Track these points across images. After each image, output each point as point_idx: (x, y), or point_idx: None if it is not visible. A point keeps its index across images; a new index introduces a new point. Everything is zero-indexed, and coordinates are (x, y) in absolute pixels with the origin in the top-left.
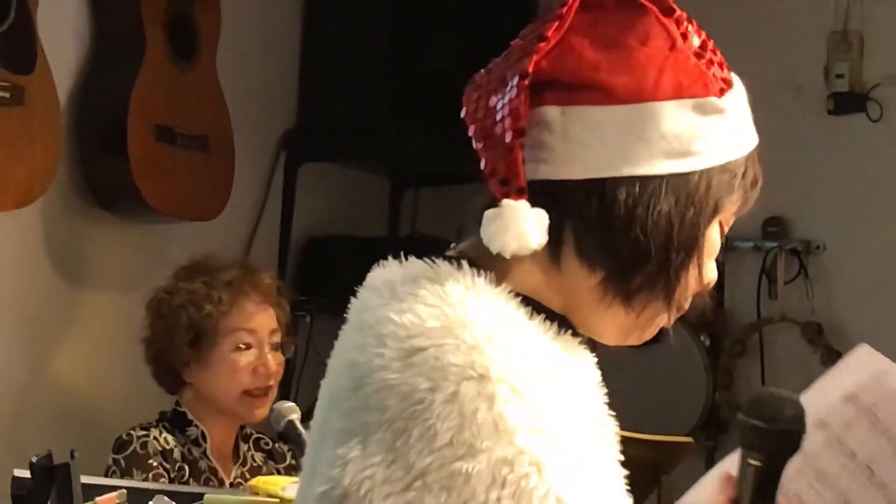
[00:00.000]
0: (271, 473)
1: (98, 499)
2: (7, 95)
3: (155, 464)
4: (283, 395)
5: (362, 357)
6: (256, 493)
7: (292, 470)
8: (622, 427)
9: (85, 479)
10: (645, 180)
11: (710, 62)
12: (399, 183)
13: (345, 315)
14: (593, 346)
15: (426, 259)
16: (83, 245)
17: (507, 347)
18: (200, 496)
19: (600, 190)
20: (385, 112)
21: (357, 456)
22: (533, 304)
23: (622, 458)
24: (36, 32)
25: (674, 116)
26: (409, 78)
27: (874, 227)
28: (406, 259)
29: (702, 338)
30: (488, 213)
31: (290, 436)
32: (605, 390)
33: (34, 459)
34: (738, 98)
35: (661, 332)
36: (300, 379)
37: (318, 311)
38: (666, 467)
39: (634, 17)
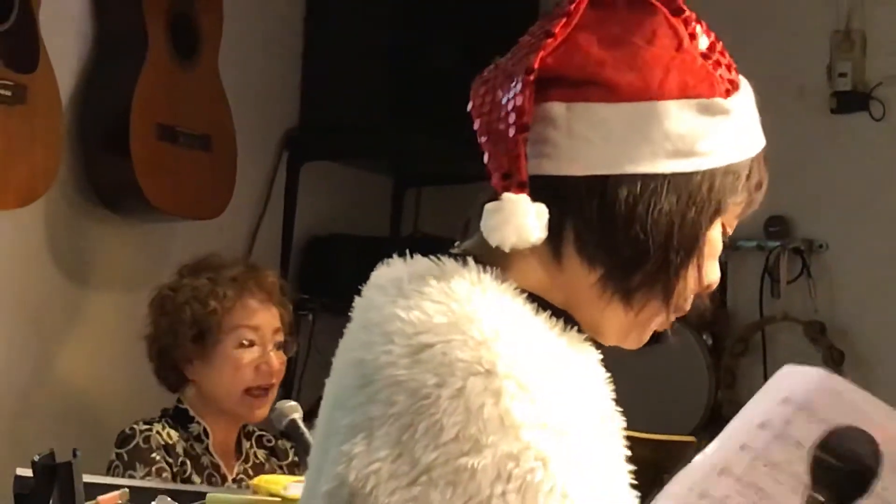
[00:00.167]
0: (274, 470)
1: (100, 498)
2: (9, 94)
3: (158, 458)
4: (285, 393)
5: (369, 355)
6: (258, 493)
7: (295, 467)
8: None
9: (87, 478)
10: (647, 179)
11: (718, 63)
12: (401, 182)
13: (349, 314)
14: (597, 345)
15: (431, 257)
16: (85, 244)
17: (513, 343)
18: (203, 495)
19: (602, 187)
20: (387, 111)
21: (362, 451)
22: (538, 301)
23: (629, 454)
24: (38, 31)
25: (678, 116)
26: (411, 77)
27: (877, 226)
28: (411, 257)
29: (704, 337)
30: (488, 206)
31: (292, 435)
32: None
33: (36, 458)
34: (744, 100)
35: (660, 333)
36: (302, 378)
37: (320, 310)
38: (668, 466)
39: (643, 16)
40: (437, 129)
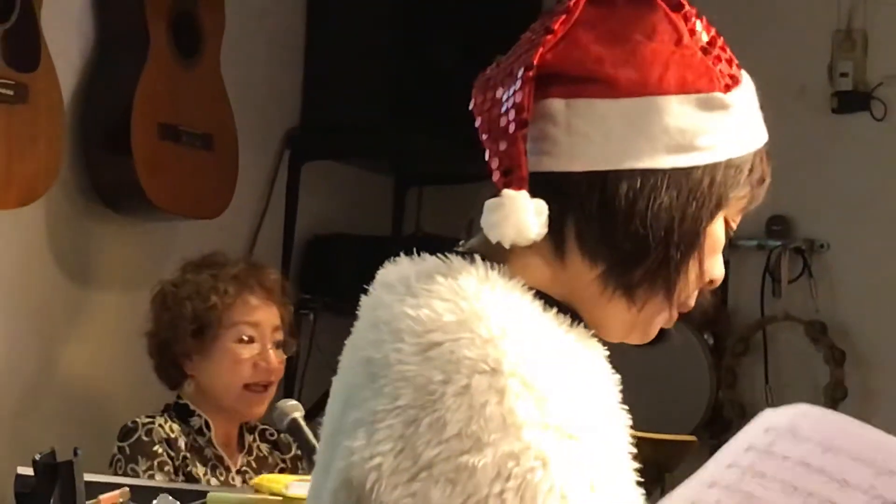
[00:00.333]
0: (277, 463)
1: (102, 496)
2: (11, 93)
3: (160, 450)
4: (287, 392)
5: (378, 353)
6: (260, 492)
7: (298, 460)
8: None
9: (88, 477)
10: (646, 174)
11: (718, 58)
12: (402, 181)
13: (350, 313)
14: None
15: (438, 255)
16: (87, 243)
17: (521, 341)
18: (204, 494)
19: (602, 183)
20: (388, 111)
21: (362, 444)
22: (545, 298)
23: (634, 451)
24: (40, 30)
25: (677, 111)
26: (413, 77)
27: (878, 225)
28: (419, 255)
29: (705, 336)
30: (488, 202)
31: (293, 434)
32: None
33: (37, 457)
34: (745, 95)
35: (663, 330)
36: (303, 377)
37: (321, 310)
38: (669, 466)
39: (643, 11)
40: (438, 128)
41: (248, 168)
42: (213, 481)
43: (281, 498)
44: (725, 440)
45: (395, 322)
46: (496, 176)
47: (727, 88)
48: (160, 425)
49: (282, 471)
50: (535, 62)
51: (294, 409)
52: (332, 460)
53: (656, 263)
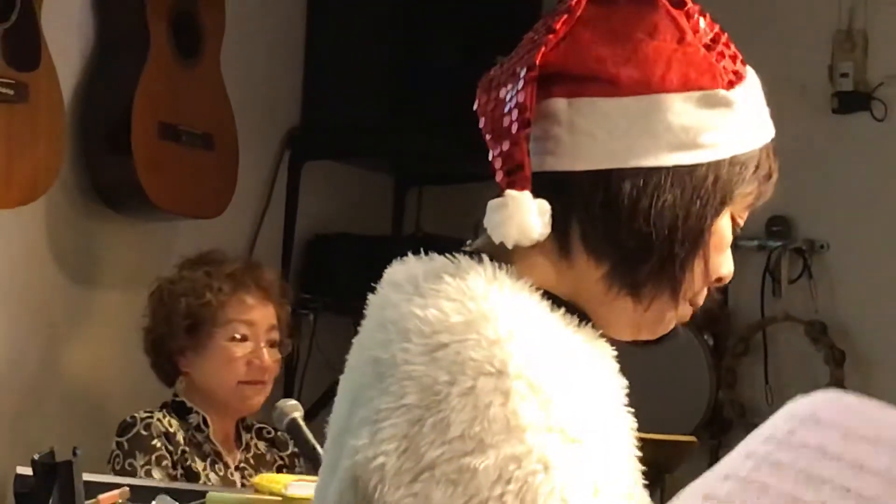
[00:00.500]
0: (275, 461)
1: (100, 496)
2: (11, 92)
3: (158, 444)
4: (287, 392)
5: (385, 353)
6: (259, 492)
7: (296, 458)
8: None
9: (87, 477)
10: (650, 172)
11: (721, 55)
12: (403, 181)
13: (350, 313)
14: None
15: (446, 254)
16: (87, 242)
17: (527, 343)
18: (202, 494)
19: (605, 181)
20: (388, 111)
21: (366, 443)
22: (553, 298)
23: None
24: (40, 29)
25: (680, 109)
26: (413, 77)
27: (878, 226)
28: (425, 254)
29: (705, 337)
30: (491, 203)
31: (292, 434)
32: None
33: (36, 457)
34: (750, 91)
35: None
36: (303, 377)
37: (321, 310)
38: (669, 466)
39: (645, 10)
40: (438, 128)
41: (248, 168)
42: (213, 476)
43: (280, 498)
44: (725, 440)
45: (403, 322)
46: (500, 176)
47: (730, 85)
48: (159, 419)
49: (279, 468)
50: (537, 62)
51: (294, 409)
52: (339, 459)
53: (661, 261)
